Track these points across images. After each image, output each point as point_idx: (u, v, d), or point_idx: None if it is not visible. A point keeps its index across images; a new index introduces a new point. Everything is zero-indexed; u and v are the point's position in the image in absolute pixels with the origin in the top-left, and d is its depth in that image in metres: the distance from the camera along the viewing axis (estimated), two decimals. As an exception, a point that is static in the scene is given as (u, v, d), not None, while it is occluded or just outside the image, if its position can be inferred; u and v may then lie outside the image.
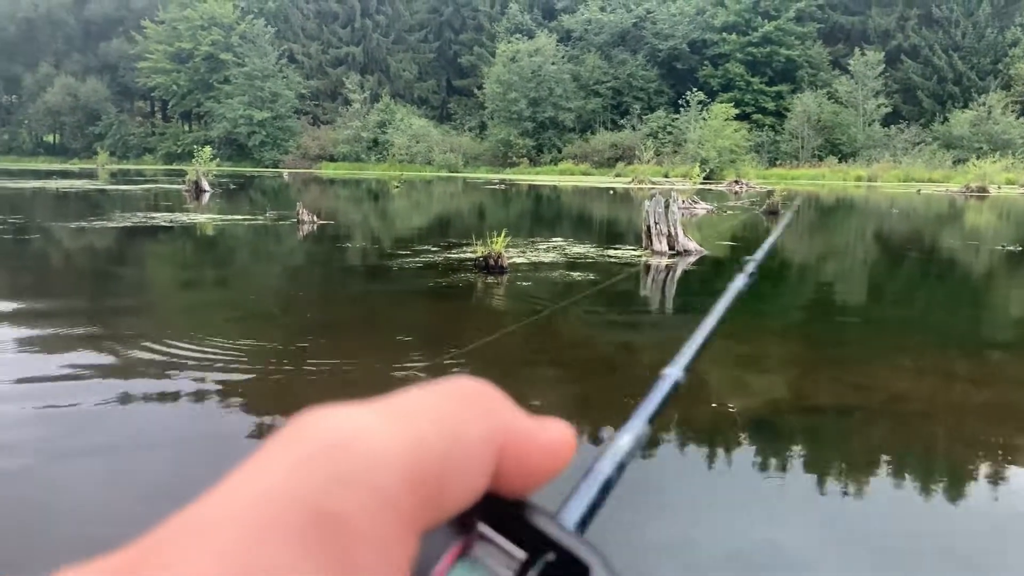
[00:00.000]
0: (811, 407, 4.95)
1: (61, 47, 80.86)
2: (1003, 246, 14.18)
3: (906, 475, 3.89)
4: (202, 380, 5.03)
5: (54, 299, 8.33)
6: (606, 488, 0.31)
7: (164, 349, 5.79)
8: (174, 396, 4.69)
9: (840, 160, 58.17)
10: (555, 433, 0.27)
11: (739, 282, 0.72)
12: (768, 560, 3.03)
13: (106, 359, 5.48)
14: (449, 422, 0.24)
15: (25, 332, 6.39)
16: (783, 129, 62.41)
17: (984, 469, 3.94)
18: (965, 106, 58.86)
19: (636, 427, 0.35)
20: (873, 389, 5.28)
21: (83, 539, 3.06)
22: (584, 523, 0.28)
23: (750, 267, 0.95)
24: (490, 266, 9.92)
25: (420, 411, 0.24)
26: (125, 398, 4.64)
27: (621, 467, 0.34)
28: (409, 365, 5.64)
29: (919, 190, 41.41)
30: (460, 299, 8.59)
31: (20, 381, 4.97)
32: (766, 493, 3.63)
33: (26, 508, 3.32)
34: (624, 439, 0.34)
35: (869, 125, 60.36)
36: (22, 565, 2.85)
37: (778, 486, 3.69)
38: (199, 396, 4.71)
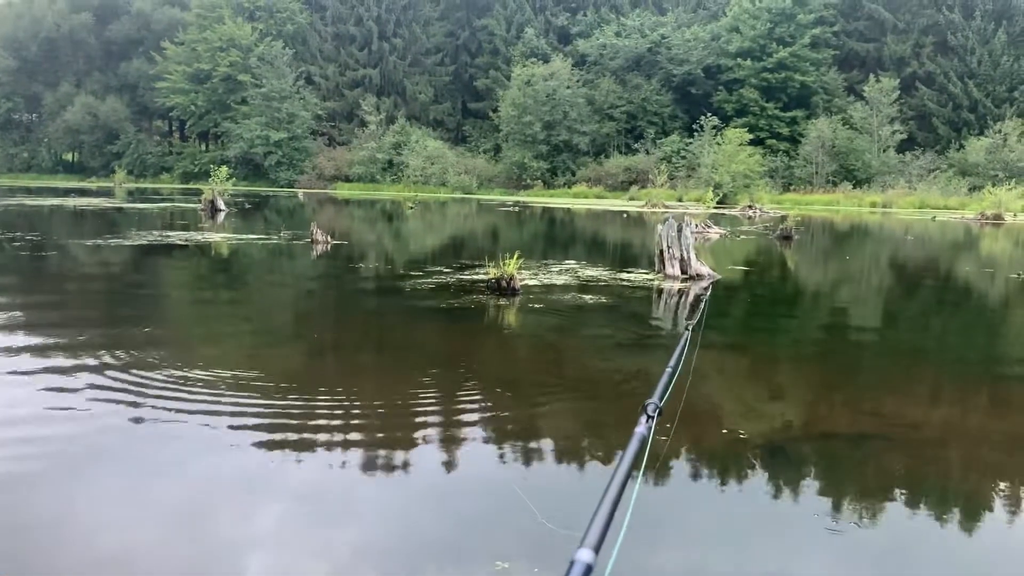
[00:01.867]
0: (825, 434, 4.90)
1: (82, 67, 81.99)
2: (1019, 274, 14.06)
3: (922, 504, 3.84)
4: (215, 402, 5.03)
5: (68, 314, 8.39)
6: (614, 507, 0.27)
7: (178, 369, 5.81)
8: (186, 414, 4.69)
9: (855, 186, 57.98)
10: None
11: (641, 428, 0.71)
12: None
13: (117, 377, 5.49)
14: None
15: (37, 348, 6.42)
16: (797, 154, 62.31)
17: (1000, 498, 3.88)
18: (981, 133, 58.62)
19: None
20: (887, 416, 5.22)
21: (93, 555, 3.06)
22: (600, 543, 0.28)
23: (651, 409, 0.94)
24: (502, 288, 9.92)
25: None
26: (134, 415, 4.65)
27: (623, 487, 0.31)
28: (418, 387, 5.63)
29: (934, 217, 41.19)
30: (471, 320, 8.59)
31: (28, 398, 5.00)
32: (779, 521, 3.58)
33: (40, 523, 3.32)
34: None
35: (884, 151, 60.19)
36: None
37: (791, 514, 3.65)
38: (210, 417, 4.71)
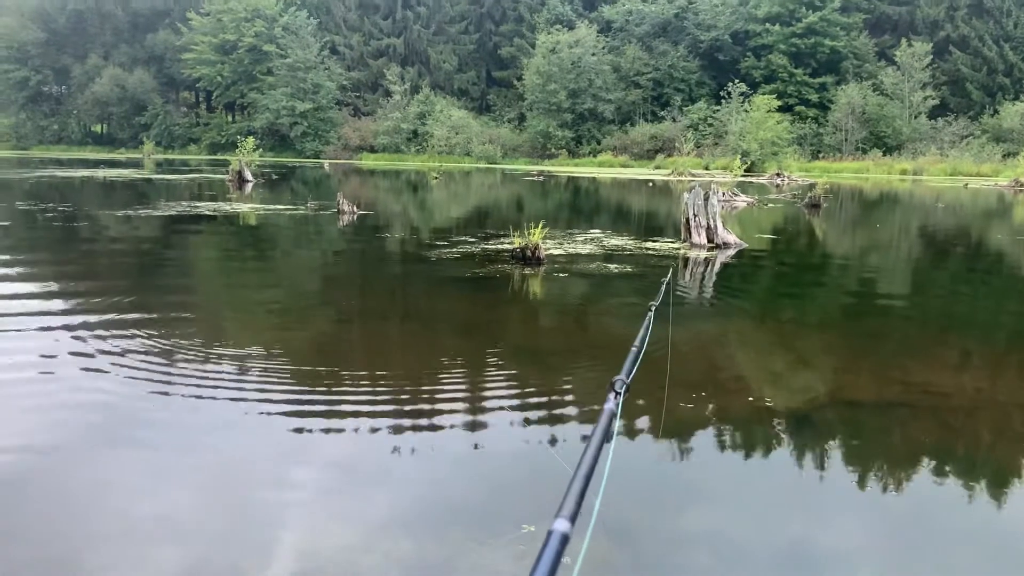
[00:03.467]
0: (852, 402, 4.89)
1: (109, 39, 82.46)
2: (1054, 242, 13.80)
3: (950, 471, 3.84)
4: (244, 370, 5.13)
5: (99, 283, 8.54)
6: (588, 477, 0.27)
7: (208, 336, 5.92)
8: (216, 382, 4.79)
9: (884, 153, 57.04)
10: None
11: (610, 404, 0.72)
12: (805, 555, 3.02)
13: (147, 346, 5.61)
14: None
15: (69, 317, 6.56)
16: (826, 121, 61.33)
17: (1028, 468, 3.87)
18: (1016, 98, 57.28)
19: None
20: (915, 384, 5.20)
21: (126, 526, 3.16)
22: (575, 515, 0.26)
23: (618, 385, 0.97)
24: (527, 257, 9.94)
25: None
26: (164, 385, 4.76)
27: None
28: (444, 355, 5.69)
29: (966, 184, 40.43)
30: (496, 289, 8.63)
31: (59, 366, 5.12)
32: (804, 488, 3.61)
33: (72, 493, 3.43)
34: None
35: (915, 118, 59.03)
36: (69, 552, 2.96)
37: (817, 481, 3.67)
38: (240, 385, 4.81)
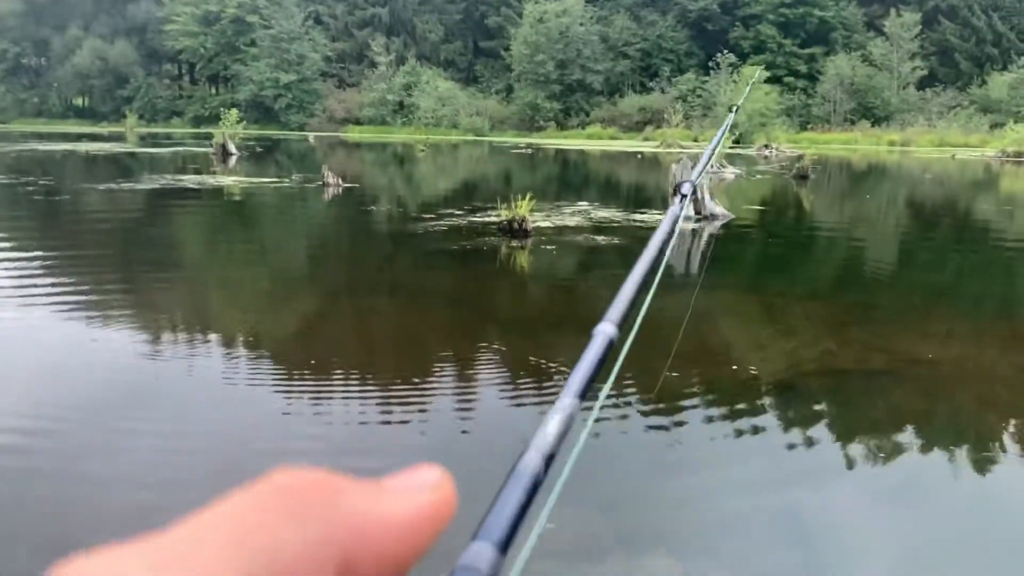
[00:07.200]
0: (838, 370, 4.91)
1: (89, 9, 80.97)
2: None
3: (935, 439, 3.86)
4: (233, 344, 5.10)
5: (83, 258, 8.45)
6: (533, 489, 0.27)
7: (194, 312, 5.87)
8: (205, 357, 4.76)
9: (873, 124, 57.01)
10: (416, 501, 0.23)
11: (676, 208, 0.71)
12: (793, 521, 3.03)
13: (134, 321, 5.56)
14: (254, 546, 0.19)
15: (54, 293, 6.49)
16: (815, 92, 61.19)
17: (1011, 435, 3.90)
18: (1004, 68, 57.23)
19: (566, 406, 0.33)
20: (900, 353, 5.22)
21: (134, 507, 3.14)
22: (507, 541, 0.24)
23: (686, 188, 0.92)
24: (514, 230, 9.89)
25: (210, 544, 0.18)
26: (151, 360, 4.72)
27: (549, 460, 0.30)
28: (432, 328, 5.67)
29: (954, 155, 40.51)
30: (483, 263, 8.59)
31: (47, 342, 5.07)
32: (790, 455, 3.62)
33: (68, 467, 3.40)
34: (552, 423, 0.31)
35: (904, 88, 58.98)
36: (79, 532, 2.93)
37: (804, 449, 3.68)
38: (228, 361, 4.77)
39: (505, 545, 0.25)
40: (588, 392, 0.34)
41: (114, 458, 3.42)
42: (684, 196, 0.79)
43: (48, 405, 3.96)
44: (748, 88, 4.03)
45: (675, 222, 0.61)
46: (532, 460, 0.27)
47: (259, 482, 0.20)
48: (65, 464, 3.35)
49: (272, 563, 0.19)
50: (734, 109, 2.82)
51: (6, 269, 7.38)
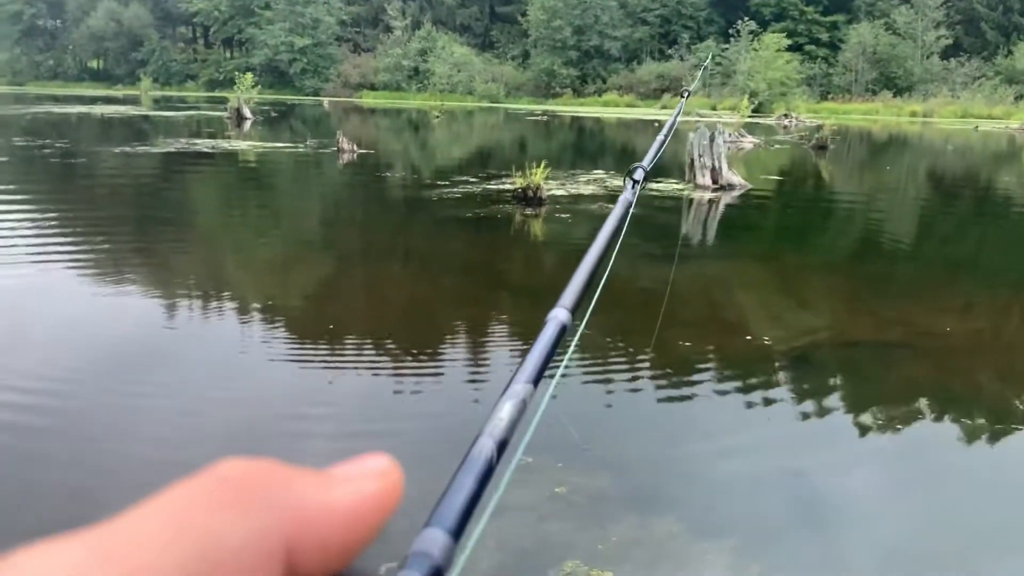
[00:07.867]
0: (852, 342, 4.87)
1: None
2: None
3: (949, 412, 3.83)
4: (247, 310, 5.11)
5: (97, 220, 8.48)
6: (486, 476, 0.25)
7: (209, 277, 5.88)
8: (220, 324, 4.77)
9: (895, 95, 56.07)
10: (362, 489, 0.22)
11: (627, 194, 0.70)
12: (803, 489, 3.02)
13: (148, 287, 5.58)
14: (192, 538, 0.18)
15: (69, 256, 6.52)
16: (836, 61, 60.16)
17: (1028, 410, 3.86)
18: (1031, 38, 56.03)
19: (518, 392, 0.31)
20: (917, 325, 5.17)
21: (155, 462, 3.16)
22: (460, 528, 0.24)
23: (638, 173, 0.89)
24: (528, 198, 9.83)
25: (145, 536, 0.18)
26: (166, 325, 4.74)
27: (502, 445, 0.27)
28: (445, 295, 5.66)
29: (976, 127, 39.85)
30: (497, 230, 8.56)
31: (61, 306, 5.10)
32: (800, 425, 3.60)
33: (86, 428, 3.43)
34: (504, 409, 0.28)
35: (927, 58, 57.86)
36: (99, 486, 2.96)
37: (816, 418, 3.66)
38: (243, 327, 4.79)
39: (458, 531, 0.25)
40: (541, 378, 0.31)
41: (131, 417, 3.45)
42: (636, 182, 0.78)
43: (63, 367, 3.99)
44: (700, 72, 3.92)
45: (628, 208, 0.60)
46: (485, 446, 0.26)
47: (202, 473, 0.20)
48: (81, 423, 3.38)
49: (211, 554, 0.18)
50: (685, 95, 2.78)
51: (24, 230, 7.41)
